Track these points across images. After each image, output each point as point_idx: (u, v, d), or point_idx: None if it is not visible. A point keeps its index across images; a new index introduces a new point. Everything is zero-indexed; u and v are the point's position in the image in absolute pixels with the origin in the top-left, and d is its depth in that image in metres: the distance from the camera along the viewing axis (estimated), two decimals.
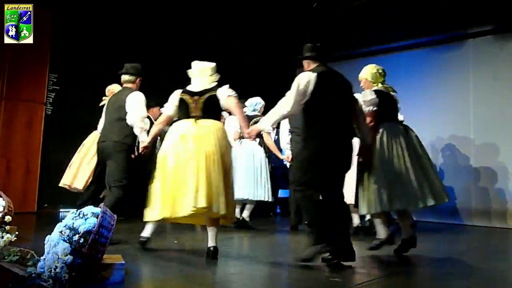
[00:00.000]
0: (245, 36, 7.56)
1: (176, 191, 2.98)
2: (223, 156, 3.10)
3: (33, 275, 1.93)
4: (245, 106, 5.20)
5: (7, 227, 3.02)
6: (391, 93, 3.58)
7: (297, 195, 3.07)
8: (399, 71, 7.53)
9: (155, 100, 5.14)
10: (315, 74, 3.03)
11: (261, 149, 5.07)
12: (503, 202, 6.26)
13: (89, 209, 2.16)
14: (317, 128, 3.00)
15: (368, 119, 3.32)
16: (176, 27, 7.14)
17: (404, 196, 3.19)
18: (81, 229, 2.01)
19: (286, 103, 3.04)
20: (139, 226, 3.94)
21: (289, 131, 4.86)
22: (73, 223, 2.04)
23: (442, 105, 6.92)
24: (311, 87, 2.98)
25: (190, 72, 3.52)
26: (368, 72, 3.64)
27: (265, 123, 3.22)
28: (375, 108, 3.37)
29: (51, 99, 6.27)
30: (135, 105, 3.68)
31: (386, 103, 3.44)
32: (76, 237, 1.98)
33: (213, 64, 3.57)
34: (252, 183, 4.89)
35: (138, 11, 6.66)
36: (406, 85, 7.30)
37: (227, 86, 3.43)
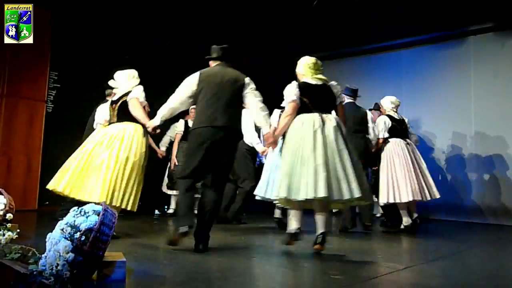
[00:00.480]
0: (245, 36, 7.54)
1: (84, 178, 3.64)
2: (129, 156, 3.67)
3: (35, 272, 1.93)
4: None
5: (9, 225, 3.02)
6: (326, 84, 3.48)
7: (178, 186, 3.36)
8: (401, 68, 7.54)
9: (155, 98, 5.18)
10: (198, 73, 3.42)
11: None
12: (506, 199, 6.27)
13: (90, 207, 2.16)
14: (196, 122, 3.37)
15: (286, 110, 3.41)
16: (176, 27, 7.13)
17: (302, 186, 3.10)
18: (83, 227, 2.01)
19: (172, 99, 3.43)
20: (139, 223, 3.97)
21: None
22: (75, 220, 2.04)
23: (443, 103, 6.92)
24: (193, 86, 3.38)
25: (112, 83, 4.03)
26: (298, 64, 3.61)
27: (155, 118, 3.54)
28: (293, 99, 3.36)
29: (52, 97, 6.28)
30: (99, 110, 4.45)
31: (311, 95, 3.37)
32: (77, 235, 1.98)
33: (130, 71, 4.04)
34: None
35: (138, 10, 6.65)
36: (408, 83, 7.32)
37: (139, 88, 3.88)
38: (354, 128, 4.75)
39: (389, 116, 5.15)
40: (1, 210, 3.15)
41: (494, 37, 6.63)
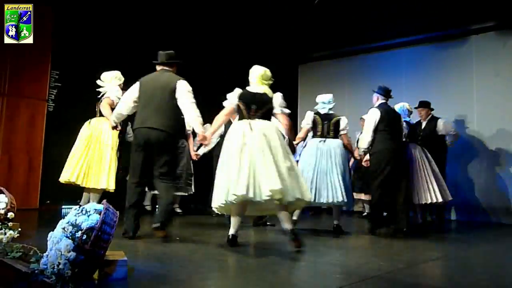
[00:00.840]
0: (246, 34, 7.54)
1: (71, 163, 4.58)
2: (102, 144, 4.55)
3: (36, 271, 1.93)
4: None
5: (10, 224, 3.03)
6: (268, 94, 3.60)
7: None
8: (402, 67, 7.53)
9: None
10: (139, 81, 3.82)
11: (341, 148, 4.72)
12: (508, 198, 6.26)
13: (91, 206, 2.16)
14: (134, 124, 3.76)
15: (222, 111, 3.70)
16: (178, 25, 7.13)
17: (227, 189, 3.26)
18: (84, 226, 2.01)
19: (119, 105, 3.99)
20: (140, 222, 3.97)
21: (377, 131, 4.66)
22: (76, 219, 2.04)
23: (445, 103, 6.90)
24: (135, 92, 3.79)
25: (99, 82, 4.69)
26: (250, 72, 3.77)
27: (110, 121, 4.20)
28: (230, 103, 3.64)
29: (53, 96, 6.28)
30: None
31: (247, 102, 3.54)
32: (78, 234, 1.99)
33: (114, 72, 4.70)
34: (325, 185, 4.48)
35: (140, 7, 6.65)
36: (408, 82, 7.31)
37: (113, 89, 4.55)
38: (389, 130, 4.67)
39: (405, 122, 5.34)
40: (3, 209, 3.16)
41: (496, 36, 6.61)
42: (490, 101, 6.52)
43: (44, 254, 2.02)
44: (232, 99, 3.64)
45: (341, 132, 4.76)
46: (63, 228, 2.04)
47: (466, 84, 6.80)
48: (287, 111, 3.71)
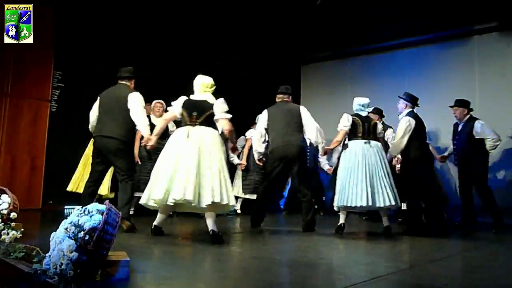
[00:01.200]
0: (249, 35, 7.54)
1: None
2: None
3: (39, 271, 1.93)
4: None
5: (13, 224, 3.04)
6: (209, 101, 3.82)
7: None
8: (404, 68, 7.51)
9: (153, 98, 5.55)
10: (100, 94, 4.27)
11: (384, 151, 4.71)
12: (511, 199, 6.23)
13: (94, 206, 2.16)
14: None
15: (165, 114, 4.08)
16: (181, 24, 7.13)
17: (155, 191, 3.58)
18: (86, 226, 2.01)
19: (90, 118, 4.34)
20: (142, 222, 3.98)
21: (410, 139, 4.69)
22: (78, 220, 2.04)
23: (447, 103, 6.88)
24: (97, 105, 4.25)
25: None
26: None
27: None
28: (173, 110, 3.92)
29: (55, 96, 6.30)
30: None
31: (188, 109, 3.81)
32: (81, 234, 1.99)
33: None
34: (370, 188, 4.36)
35: (143, 7, 6.66)
36: (410, 83, 7.29)
37: None
38: (420, 137, 4.77)
39: None
40: (5, 209, 3.17)
41: (499, 36, 6.59)
42: (493, 102, 6.49)
43: (47, 255, 2.03)
44: (176, 107, 3.91)
45: (378, 136, 4.81)
46: (66, 229, 2.04)
47: (468, 85, 6.77)
48: (229, 116, 3.88)
